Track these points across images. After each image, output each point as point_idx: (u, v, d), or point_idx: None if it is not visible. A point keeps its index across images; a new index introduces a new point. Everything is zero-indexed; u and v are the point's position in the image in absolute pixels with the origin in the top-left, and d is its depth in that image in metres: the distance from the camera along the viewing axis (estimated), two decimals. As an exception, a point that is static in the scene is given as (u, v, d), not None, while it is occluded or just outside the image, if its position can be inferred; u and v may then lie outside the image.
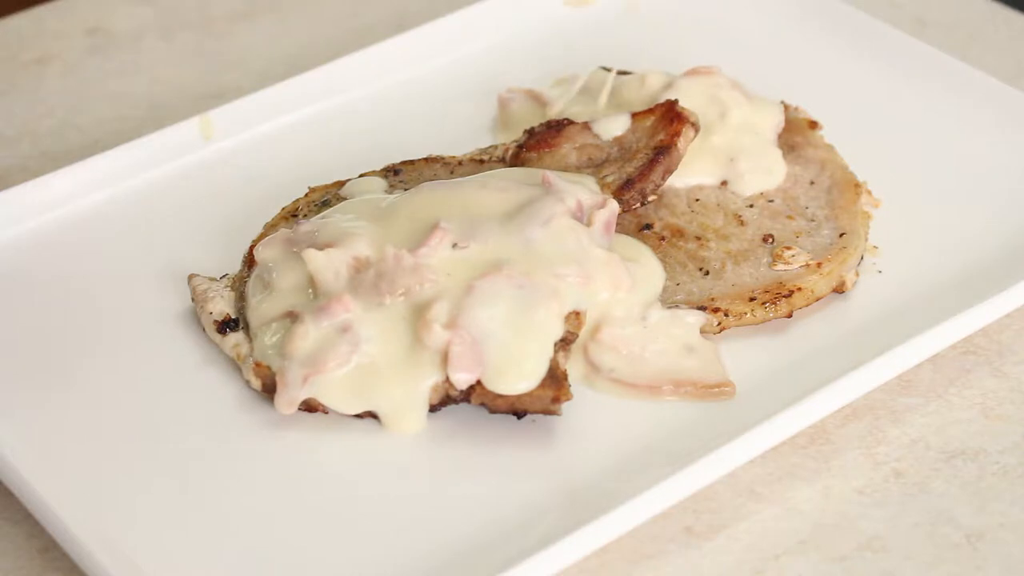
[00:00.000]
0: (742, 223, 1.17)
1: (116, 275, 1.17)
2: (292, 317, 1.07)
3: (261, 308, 1.09)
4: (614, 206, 1.13)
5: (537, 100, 1.30)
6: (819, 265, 1.13)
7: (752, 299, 1.12)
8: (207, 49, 1.47)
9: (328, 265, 1.07)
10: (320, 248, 1.09)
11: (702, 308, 1.11)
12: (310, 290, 1.08)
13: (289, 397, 1.04)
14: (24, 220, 1.22)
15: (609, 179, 1.17)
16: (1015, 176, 1.25)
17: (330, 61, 1.36)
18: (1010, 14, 1.48)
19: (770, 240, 1.16)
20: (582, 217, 1.11)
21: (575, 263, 1.07)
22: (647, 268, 1.12)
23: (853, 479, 1.04)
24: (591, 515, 0.96)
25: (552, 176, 1.12)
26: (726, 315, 1.11)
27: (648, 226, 1.16)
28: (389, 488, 1.02)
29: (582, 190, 1.12)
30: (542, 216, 1.09)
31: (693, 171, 1.19)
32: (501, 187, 1.12)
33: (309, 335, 1.05)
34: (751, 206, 1.18)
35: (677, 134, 1.17)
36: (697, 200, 1.18)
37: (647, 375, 1.08)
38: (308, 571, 0.97)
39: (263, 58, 1.45)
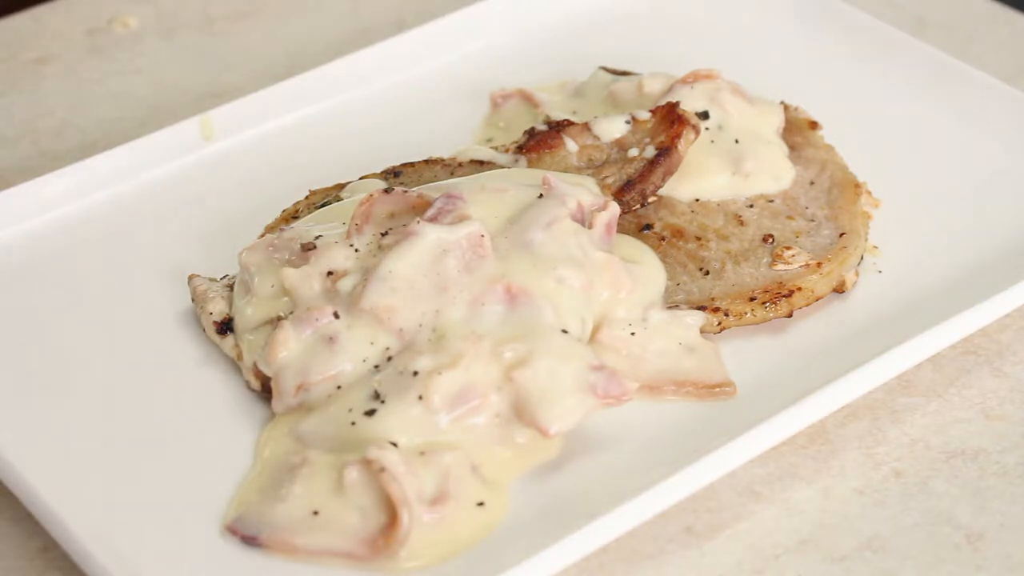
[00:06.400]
0: (742, 223, 1.17)
1: (116, 275, 1.17)
2: (274, 323, 1.07)
3: (246, 312, 1.09)
4: (615, 208, 1.12)
5: (529, 100, 1.31)
6: (819, 265, 1.13)
7: (752, 299, 1.11)
8: (207, 49, 1.47)
9: (303, 281, 1.07)
10: (300, 256, 1.08)
11: (702, 308, 1.11)
12: (285, 298, 1.08)
13: (284, 404, 1.04)
14: (24, 220, 1.22)
15: (609, 180, 1.17)
16: (1015, 176, 1.25)
17: (330, 61, 1.36)
18: (1010, 14, 1.48)
19: (770, 240, 1.15)
20: (583, 219, 1.11)
21: (577, 267, 1.07)
22: (648, 269, 1.12)
23: (853, 479, 1.04)
24: (592, 515, 0.96)
25: (553, 177, 1.12)
26: (726, 315, 1.11)
27: (648, 226, 1.16)
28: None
29: (583, 192, 1.12)
30: (544, 219, 1.08)
31: (700, 175, 1.19)
32: (500, 188, 1.12)
33: (289, 343, 1.04)
34: (751, 206, 1.18)
35: (678, 136, 1.17)
36: (697, 200, 1.18)
37: (648, 375, 1.08)
38: (307, 572, 0.97)
39: (263, 58, 1.45)
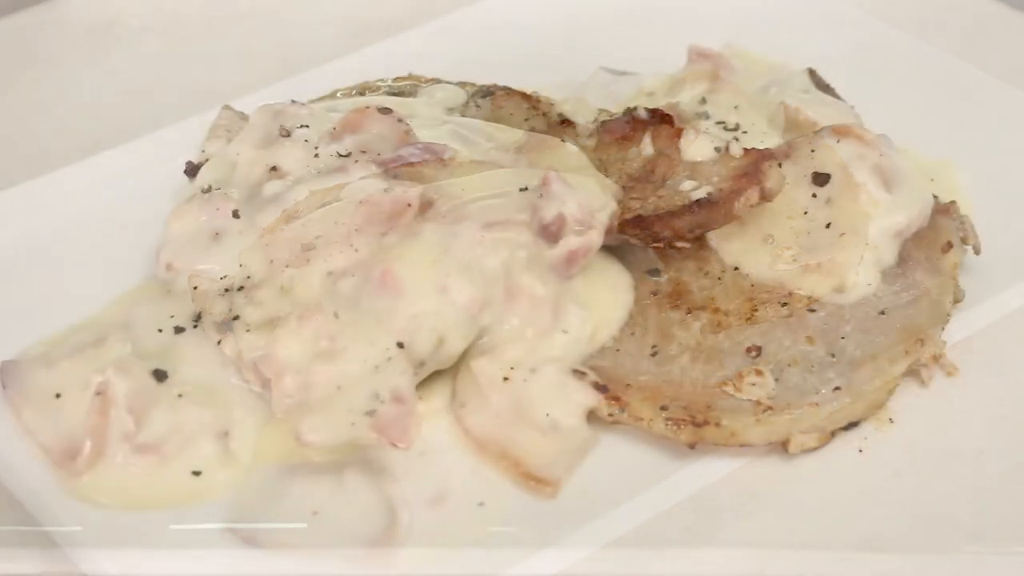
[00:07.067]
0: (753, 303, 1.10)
1: (116, 276, 1.17)
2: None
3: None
4: (593, 240, 1.04)
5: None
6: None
7: (664, 408, 1.02)
8: (207, 49, 1.47)
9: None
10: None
11: (603, 388, 1.02)
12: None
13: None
14: (24, 220, 1.22)
15: (631, 203, 1.09)
16: (1015, 176, 1.25)
17: (330, 61, 1.36)
18: (1010, 14, 1.48)
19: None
20: (557, 232, 1.05)
21: (475, 284, 1.03)
22: (588, 319, 1.03)
23: (853, 479, 1.04)
24: (591, 515, 0.96)
25: (555, 178, 1.09)
26: (621, 410, 1.02)
27: (656, 271, 1.10)
28: (389, 488, 1.02)
29: (580, 196, 1.07)
30: (490, 217, 1.04)
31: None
32: (497, 167, 1.11)
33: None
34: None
35: (736, 192, 1.01)
36: (737, 269, 1.09)
37: (485, 430, 1.01)
38: (307, 572, 0.97)
39: (263, 58, 1.45)
